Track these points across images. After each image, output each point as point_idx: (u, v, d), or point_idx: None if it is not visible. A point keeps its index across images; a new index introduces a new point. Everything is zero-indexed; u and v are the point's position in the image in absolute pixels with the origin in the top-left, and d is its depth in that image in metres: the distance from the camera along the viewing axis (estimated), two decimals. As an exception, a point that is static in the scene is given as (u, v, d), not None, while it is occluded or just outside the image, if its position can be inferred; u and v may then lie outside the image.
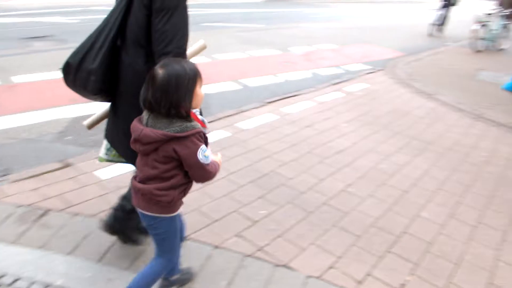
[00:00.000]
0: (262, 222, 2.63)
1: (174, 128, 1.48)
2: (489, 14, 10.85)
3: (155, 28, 1.67)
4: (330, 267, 2.30)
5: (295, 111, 4.73)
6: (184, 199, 1.69)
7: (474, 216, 2.97)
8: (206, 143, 1.57)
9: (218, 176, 2.57)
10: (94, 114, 2.10)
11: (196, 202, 2.76)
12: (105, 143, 2.09)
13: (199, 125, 1.54)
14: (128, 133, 1.61)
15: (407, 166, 3.64)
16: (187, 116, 1.51)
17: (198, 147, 1.51)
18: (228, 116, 4.48)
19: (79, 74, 1.78)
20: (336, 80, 6.31)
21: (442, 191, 3.28)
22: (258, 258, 2.32)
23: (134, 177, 1.66)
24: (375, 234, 2.63)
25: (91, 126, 2.11)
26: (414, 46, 10.48)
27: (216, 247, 2.38)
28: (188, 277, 2.11)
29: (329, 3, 23.39)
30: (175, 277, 2.02)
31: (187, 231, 2.36)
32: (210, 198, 2.85)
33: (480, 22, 10.45)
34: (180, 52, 1.68)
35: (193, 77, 1.50)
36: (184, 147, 1.49)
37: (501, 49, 11.10)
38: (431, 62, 8.54)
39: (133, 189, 1.66)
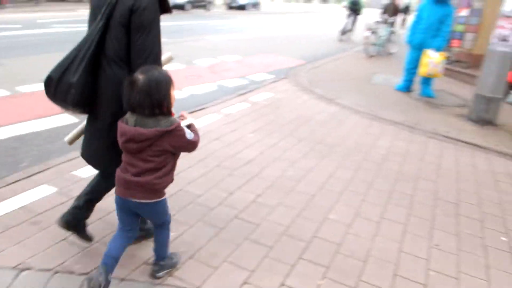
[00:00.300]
0: (172, 246, 2.50)
1: (164, 124, 1.78)
2: (377, 21, 11.82)
3: (135, 44, 1.89)
4: (244, 283, 2.24)
5: (201, 125, 4.66)
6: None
7: (377, 212, 3.12)
8: None
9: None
10: (73, 130, 2.26)
11: (99, 233, 2.55)
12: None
13: (177, 118, 1.88)
14: (107, 140, 1.97)
15: (313, 170, 3.74)
16: (168, 113, 1.82)
17: (183, 132, 1.84)
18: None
19: (60, 87, 1.90)
20: (242, 91, 6.36)
21: (347, 191, 3.41)
22: (169, 285, 2.19)
23: (125, 171, 1.87)
24: (286, 242, 2.64)
25: (72, 141, 2.26)
26: (315, 54, 11.02)
27: (122, 279, 2.19)
28: (176, 261, 2.29)
29: (231, 15, 23.83)
30: (164, 262, 2.21)
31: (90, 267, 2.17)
32: (113, 227, 2.65)
33: (370, 29, 11.31)
34: (159, 63, 1.96)
35: (169, 81, 1.82)
36: (176, 137, 1.81)
37: (391, 53, 12.10)
38: (331, 68, 9.02)
39: (124, 182, 1.87)
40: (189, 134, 1.88)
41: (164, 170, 1.86)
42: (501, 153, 4.76)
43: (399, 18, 15.40)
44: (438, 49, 6.72)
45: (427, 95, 7.18)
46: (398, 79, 7.76)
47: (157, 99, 1.75)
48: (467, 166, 4.24)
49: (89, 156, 2.20)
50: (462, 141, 4.98)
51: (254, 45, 11.97)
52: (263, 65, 9.06)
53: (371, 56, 11.30)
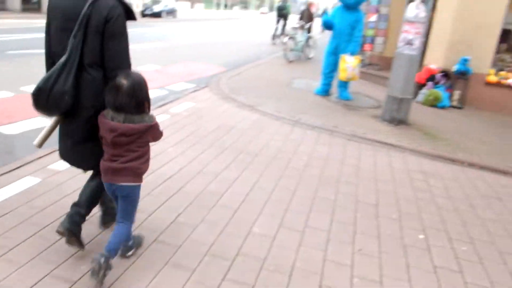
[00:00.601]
0: (81, 281, 2.26)
1: (148, 120, 2.15)
2: (294, 27, 12.13)
3: (109, 50, 2.12)
4: (164, 314, 2.08)
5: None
6: None
7: (301, 221, 3.10)
8: None
9: (23, 235, 2.60)
10: (40, 133, 2.31)
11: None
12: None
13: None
14: (87, 135, 2.24)
15: (236, 181, 3.66)
16: (148, 111, 2.18)
17: (159, 125, 2.24)
18: (40, 157, 3.88)
19: (52, 95, 2.08)
20: (161, 102, 6.12)
21: (270, 201, 3.36)
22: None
23: (111, 161, 2.18)
24: (210, 263, 2.51)
25: (41, 144, 2.32)
26: (237, 60, 11.03)
27: None
28: (140, 240, 2.62)
29: (148, 23, 23.22)
30: (130, 242, 2.48)
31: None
32: (17, 264, 2.35)
33: (288, 35, 11.57)
34: (130, 66, 2.22)
35: (146, 82, 2.15)
36: (156, 130, 2.22)
37: (309, 58, 12.47)
38: (252, 75, 9.05)
39: (113, 170, 2.17)
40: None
41: (145, 157, 2.24)
42: (414, 151, 5.03)
43: (316, 23, 16.04)
44: (353, 53, 7.00)
45: (345, 98, 7.45)
46: (317, 83, 7.98)
47: (141, 99, 2.11)
48: (384, 166, 4.41)
49: (69, 154, 2.39)
50: (379, 142, 5.20)
51: (175, 54, 11.73)
52: (183, 74, 8.87)
53: (291, 62, 11.56)
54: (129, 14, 2.21)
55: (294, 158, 4.34)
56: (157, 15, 29.59)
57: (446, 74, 8.12)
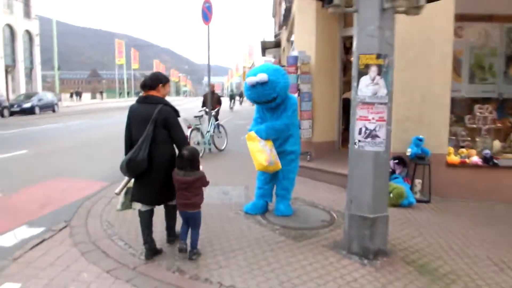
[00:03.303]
0: None
1: (197, 174, 3.73)
2: (197, 116, 9.84)
3: (173, 134, 3.80)
4: None
5: None
6: None
7: None
8: None
9: None
10: (120, 185, 3.88)
11: None
12: (120, 200, 4.05)
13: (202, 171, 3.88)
14: (160, 186, 3.82)
15: None
16: (198, 169, 3.79)
17: (206, 178, 3.89)
18: None
19: (138, 161, 3.63)
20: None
21: None
22: None
23: (181, 199, 3.79)
24: None
25: (119, 193, 3.95)
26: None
27: None
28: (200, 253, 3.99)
29: (25, 121, 19.80)
30: (196, 250, 3.89)
31: None
32: None
33: (190, 126, 9.25)
34: (187, 143, 3.96)
35: (198, 152, 3.91)
36: (204, 178, 3.84)
37: (221, 150, 10.21)
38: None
39: (182, 204, 3.78)
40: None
41: (198, 196, 3.80)
42: None
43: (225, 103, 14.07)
44: (259, 131, 4.88)
45: (283, 213, 5.13)
46: (237, 189, 5.57)
47: (195, 163, 3.73)
48: None
49: (144, 198, 3.86)
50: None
51: (39, 167, 8.62)
52: (36, 204, 5.85)
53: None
54: (177, 113, 3.91)
55: None
56: (28, 111, 24.85)
57: (401, 160, 6.26)
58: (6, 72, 35.47)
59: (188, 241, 3.86)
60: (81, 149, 11.16)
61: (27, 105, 25.21)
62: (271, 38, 27.38)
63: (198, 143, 9.28)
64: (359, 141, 3.94)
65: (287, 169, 5.12)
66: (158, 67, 77.97)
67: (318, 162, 7.50)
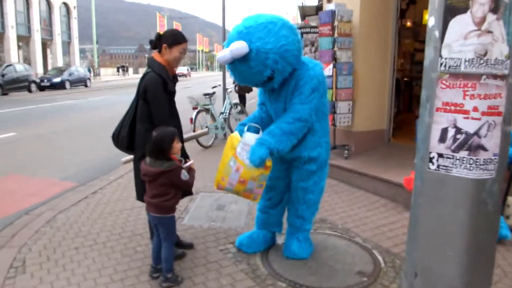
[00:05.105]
0: None
1: (165, 166, 2.63)
2: (209, 94, 7.78)
3: (151, 109, 2.90)
4: None
5: None
6: None
7: None
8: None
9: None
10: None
11: None
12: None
13: (177, 162, 2.69)
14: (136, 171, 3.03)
15: None
16: (169, 159, 2.66)
17: (179, 173, 2.65)
18: None
19: (120, 138, 3.10)
20: None
21: None
22: None
23: (145, 195, 2.80)
24: None
25: (126, 162, 3.56)
26: (115, 158, 6.56)
27: None
28: (180, 279, 2.86)
29: (50, 97, 18.71)
30: (169, 275, 2.79)
31: None
32: None
33: (195, 107, 7.31)
34: (166, 124, 2.84)
35: (172, 136, 2.68)
36: (174, 174, 2.64)
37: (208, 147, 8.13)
38: (108, 201, 4.60)
39: (146, 202, 2.79)
40: (184, 176, 2.67)
41: (167, 196, 2.69)
42: None
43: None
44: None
45: (297, 256, 3.19)
46: (243, 204, 3.65)
47: (161, 150, 2.64)
48: None
49: (136, 191, 3.22)
50: None
51: (7, 156, 7.12)
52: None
53: (207, 147, 7.32)
54: (165, 84, 2.93)
55: None
56: (58, 86, 23.96)
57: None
58: (45, 45, 35.02)
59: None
60: (76, 131, 9.56)
61: (57, 79, 24.19)
62: (312, 1, 24.62)
63: (207, 128, 7.34)
64: (441, 156, 1.86)
65: (304, 187, 3.11)
66: (201, 40, 76.15)
67: (359, 160, 5.38)
